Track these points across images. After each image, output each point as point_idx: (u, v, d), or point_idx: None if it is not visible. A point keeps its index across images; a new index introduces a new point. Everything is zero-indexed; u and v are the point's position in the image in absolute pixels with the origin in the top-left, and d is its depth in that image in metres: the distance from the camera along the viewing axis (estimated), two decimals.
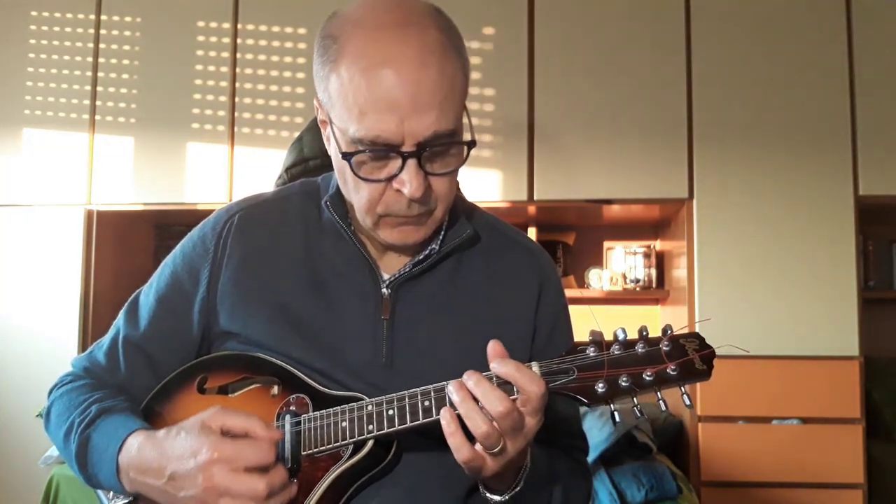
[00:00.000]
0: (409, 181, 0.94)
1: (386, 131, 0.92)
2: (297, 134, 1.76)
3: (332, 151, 1.01)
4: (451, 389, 0.89)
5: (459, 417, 0.88)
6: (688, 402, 0.88)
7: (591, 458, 2.33)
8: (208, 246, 1.11)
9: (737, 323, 2.75)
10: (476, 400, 0.87)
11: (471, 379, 0.88)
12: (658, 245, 3.26)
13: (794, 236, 2.77)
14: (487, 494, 0.97)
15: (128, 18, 3.07)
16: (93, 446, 1.01)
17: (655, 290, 3.14)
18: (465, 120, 1.00)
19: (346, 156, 0.96)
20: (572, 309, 1.21)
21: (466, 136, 1.00)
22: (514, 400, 0.88)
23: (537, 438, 1.06)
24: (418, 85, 0.91)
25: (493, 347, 0.91)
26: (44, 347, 2.91)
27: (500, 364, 0.89)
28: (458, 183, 1.56)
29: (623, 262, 3.17)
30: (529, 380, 0.88)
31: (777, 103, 2.82)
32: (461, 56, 0.97)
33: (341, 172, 1.02)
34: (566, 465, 1.10)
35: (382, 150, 0.94)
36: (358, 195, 1.00)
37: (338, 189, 1.07)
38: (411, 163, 0.94)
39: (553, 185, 2.87)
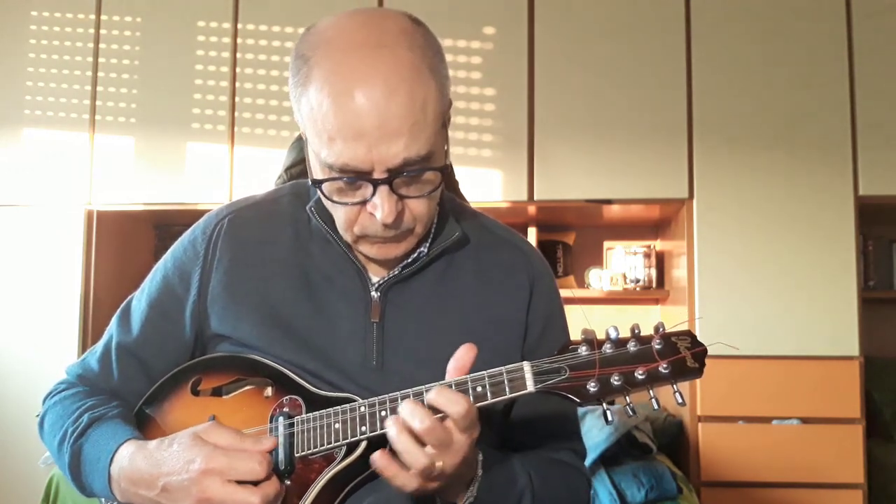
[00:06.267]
0: (380, 206, 0.93)
1: (354, 159, 0.91)
2: (297, 134, 1.75)
3: (309, 171, 1.00)
4: (389, 424, 0.88)
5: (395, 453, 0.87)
6: (680, 401, 0.88)
7: (591, 458, 2.33)
8: (199, 250, 1.11)
9: (736, 322, 2.74)
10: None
11: (404, 404, 0.88)
12: (658, 245, 3.25)
13: (795, 236, 2.76)
14: None
15: (128, 18, 3.07)
16: (85, 457, 1.02)
17: (655, 290, 3.14)
18: (448, 132, 0.99)
19: (317, 182, 0.95)
20: (571, 308, 1.20)
21: (455, 144, 0.98)
22: (441, 417, 0.87)
23: (518, 444, 1.06)
24: (386, 112, 0.89)
25: (460, 356, 0.91)
26: (44, 348, 2.91)
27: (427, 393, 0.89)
28: (456, 182, 1.57)
29: (623, 262, 3.16)
30: (448, 401, 0.87)
31: (777, 103, 2.81)
32: (436, 74, 0.94)
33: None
34: (547, 468, 1.07)
35: (352, 177, 0.93)
36: (336, 214, 1.00)
37: None
38: (382, 189, 0.93)
39: (553, 185, 2.87)
